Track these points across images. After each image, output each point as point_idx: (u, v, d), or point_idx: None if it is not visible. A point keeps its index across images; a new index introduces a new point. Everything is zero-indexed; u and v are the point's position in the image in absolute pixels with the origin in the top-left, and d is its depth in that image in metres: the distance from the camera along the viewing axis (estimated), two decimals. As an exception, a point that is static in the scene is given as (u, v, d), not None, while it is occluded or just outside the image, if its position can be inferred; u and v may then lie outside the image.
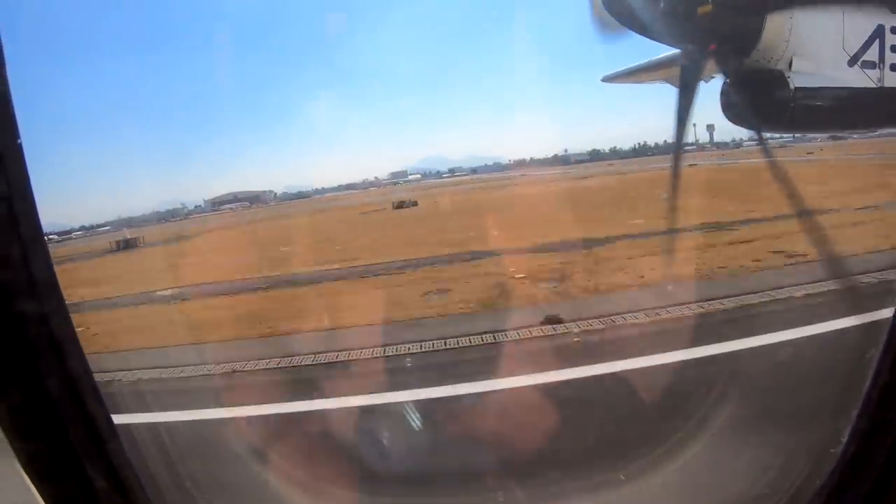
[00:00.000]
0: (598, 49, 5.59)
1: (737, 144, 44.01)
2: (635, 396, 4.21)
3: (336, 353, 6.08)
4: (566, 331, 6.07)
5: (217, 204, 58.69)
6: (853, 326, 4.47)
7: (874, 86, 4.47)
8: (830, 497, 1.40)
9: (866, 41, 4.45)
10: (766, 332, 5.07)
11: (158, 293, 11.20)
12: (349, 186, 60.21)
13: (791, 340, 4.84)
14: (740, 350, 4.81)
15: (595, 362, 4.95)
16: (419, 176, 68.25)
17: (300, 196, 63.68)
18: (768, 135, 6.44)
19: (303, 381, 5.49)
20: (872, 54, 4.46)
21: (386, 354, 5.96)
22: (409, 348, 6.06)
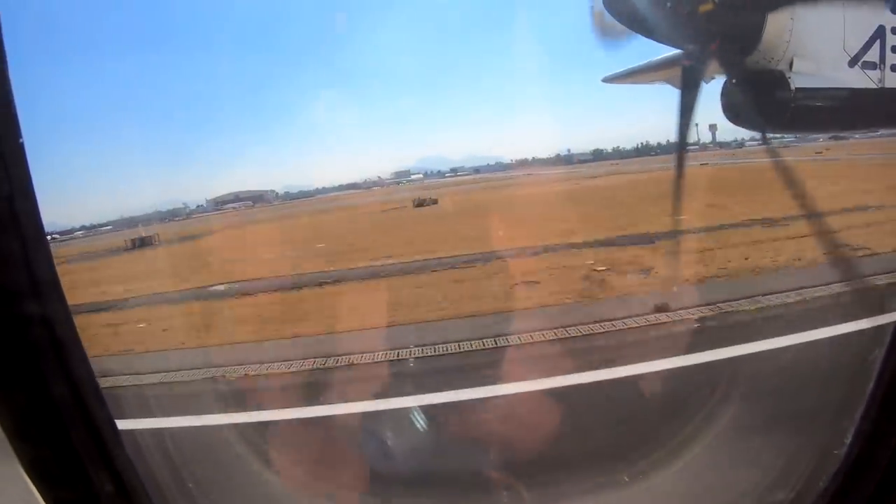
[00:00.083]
0: (598, 49, 5.60)
1: (739, 144, 44.26)
2: (781, 372, 4.34)
3: (482, 341, 6.08)
4: (685, 317, 6.22)
5: (220, 203, 58.66)
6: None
7: (875, 86, 4.48)
8: (833, 499, 1.40)
9: (867, 42, 4.45)
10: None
11: (213, 288, 11.14)
12: (351, 186, 60.27)
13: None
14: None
15: (732, 344, 5.05)
16: (421, 175, 68.44)
17: (302, 196, 63.74)
18: (768, 135, 6.46)
19: (476, 366, 5.45)
20: (873, 55, 4.46)
21: (534, 340, 6.00)
22: (544, 335, 6.09)
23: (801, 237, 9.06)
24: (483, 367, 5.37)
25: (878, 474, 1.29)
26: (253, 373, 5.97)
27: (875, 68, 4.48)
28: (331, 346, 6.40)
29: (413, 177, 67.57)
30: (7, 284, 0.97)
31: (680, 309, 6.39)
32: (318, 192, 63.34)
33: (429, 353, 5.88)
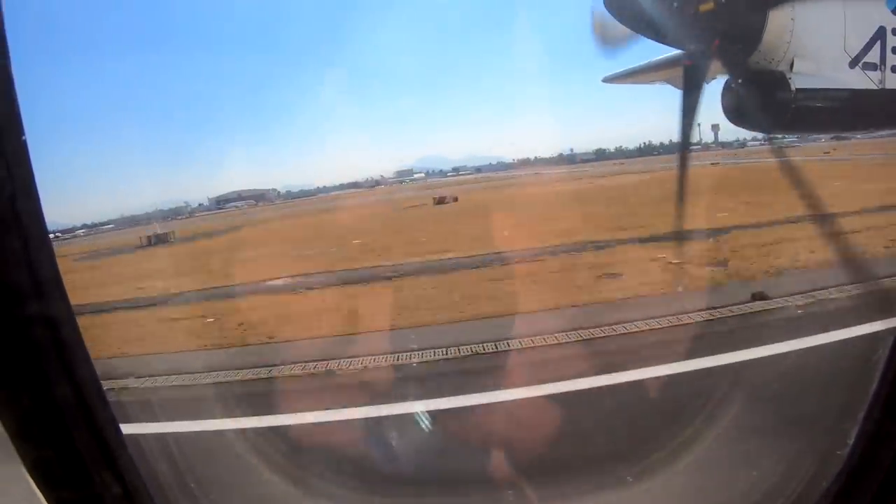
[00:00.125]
0: (597, 51, 5.61)
1: (741, 144, 44.42)
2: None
3: (612, 327, 6.19)
4: (785, 304, 6.37)
5: (222, 202, 58.61)
6: None
7: (875, 87, 4.49)
8: (836, 499, 1.40)
9: (867, 43, 4.46)
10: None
11: (272, 283, 10.99)
12: (352, 185, 60.23)
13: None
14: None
15: (845, 326, 5.16)
16: (423, 175, 68.47)
17: (303, 195, 63.70)
18: (769, 135, 6.48)
19: (632, 349, 5.56)
20: (874, 56, 4.47)
21: (650, 328, 6.10)
22: (653, 324, 6.18)
23: (848, 234, 9.22)
24: (636, 350, 5.51)
25: (881, 475, 1.29)
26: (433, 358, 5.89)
27: (875, 69, 4.49)
28: (484, 334, 6.39)
29: (416, 176, 67.63)
30: (10, 284, 0.96)
31: (777, 297, 6.58)
32: (318, 191, 63.32)
33: (588, 337, 6.06)
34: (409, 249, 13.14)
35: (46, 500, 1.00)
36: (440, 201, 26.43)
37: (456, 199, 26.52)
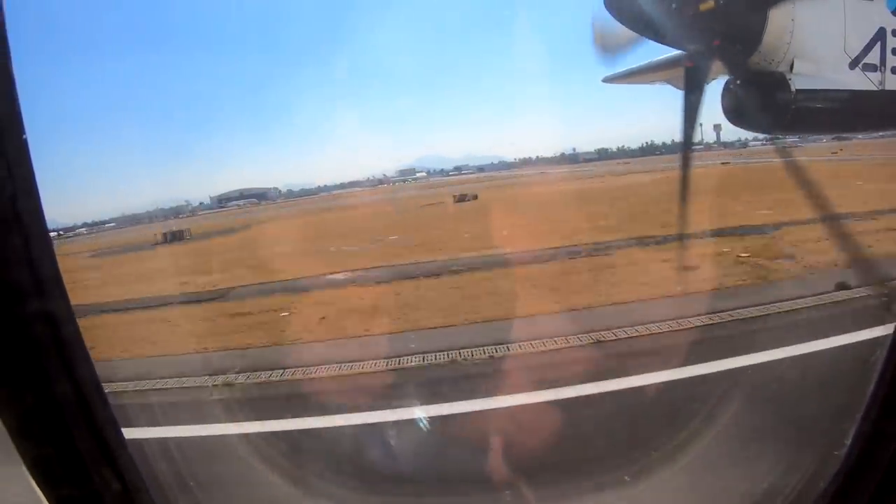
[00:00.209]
0: (598, 57, 5.64)
1: (742, 144, 44.44)
2: None
3: (716, 315, 6.32)
4: (868, 293, 6.49)
5: (224, 201, 58.60)
6: None
7: (875, 88, 4.49)
8: (834, 499, 1.40)
9: (868, 44, 4.46)
10: None
11: (332, 277, 10.86)
12: (353, 184, 60.15)
13: None
14: None
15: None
16: (425, 174, 68.47)
17: (304, 194, 63.65)
18: (766, 135, 6.50)
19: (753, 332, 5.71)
20: (874, 57, 4.47)
21: (769, 313, 6.27)
22: (769, 309, 6.35)
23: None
24: (753, 334, 5.67)
25: (879, 475, 1.29)
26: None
27: (876, 70, 4.49)
28: (613, 320, 6.49)
29: (418, 175, 67.65)
30: (10, 283, 0.97)
31: (859, 287, 6.70)
32: (319, 190, 63.31)
33: (718, 321, 6.18)
34: (458, 244, 12.98)
35: (46, 497, 1.00)
36: (461, 199, 26.41)
37: (476, 197, 26.51)
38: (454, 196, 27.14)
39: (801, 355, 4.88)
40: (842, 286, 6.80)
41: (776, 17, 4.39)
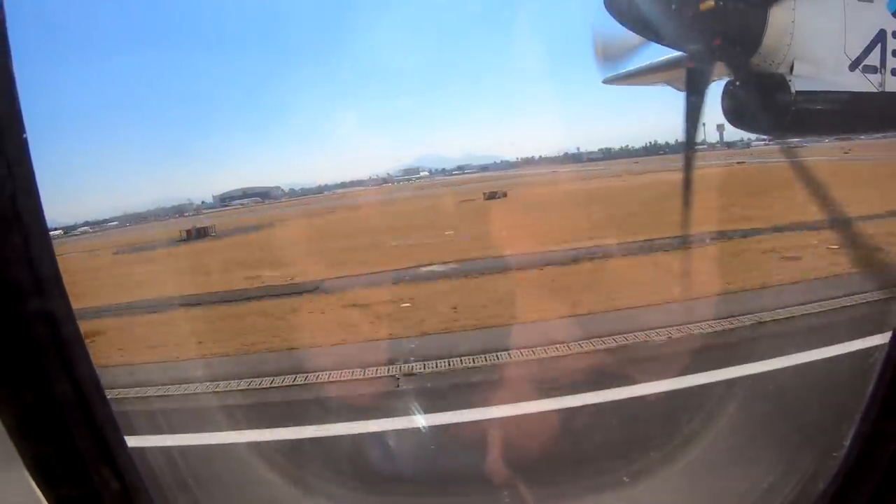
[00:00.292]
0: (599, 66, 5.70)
1: (745, 144, 44.42)
2: None
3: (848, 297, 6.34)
4: None
5: (227, 199, 58.57)
6: None
7: (875, 90, 4.49)
8: (833, 500, 1.40)
9: (868, 45, 4.46)
10: None
11: (428, 269, 10.58)
12: (355, 183, 60.06)
13: None
14: None
15: None
16: (427, 173, 68.49)
17: (306, 193, 63.60)
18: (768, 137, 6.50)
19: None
20: (874, 59, 4.47)
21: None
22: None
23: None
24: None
25: (878, 476, 1.29)
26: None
27: (876, 72, 4.49)
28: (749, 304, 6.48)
29: (421, 174, 67.69)
30: (10, 282, 0.97)
31: None
32: (321, 189, 63.32)
33: (850, 304, 6.19)
34: (533, 239, 12.58)
35: (45, 497, 1.00)
36: (491, 196, 26.35)
37: (505, 195, 26.52)
38: (484, 193, 26.98)
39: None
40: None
41: (776, 17, 4.40)
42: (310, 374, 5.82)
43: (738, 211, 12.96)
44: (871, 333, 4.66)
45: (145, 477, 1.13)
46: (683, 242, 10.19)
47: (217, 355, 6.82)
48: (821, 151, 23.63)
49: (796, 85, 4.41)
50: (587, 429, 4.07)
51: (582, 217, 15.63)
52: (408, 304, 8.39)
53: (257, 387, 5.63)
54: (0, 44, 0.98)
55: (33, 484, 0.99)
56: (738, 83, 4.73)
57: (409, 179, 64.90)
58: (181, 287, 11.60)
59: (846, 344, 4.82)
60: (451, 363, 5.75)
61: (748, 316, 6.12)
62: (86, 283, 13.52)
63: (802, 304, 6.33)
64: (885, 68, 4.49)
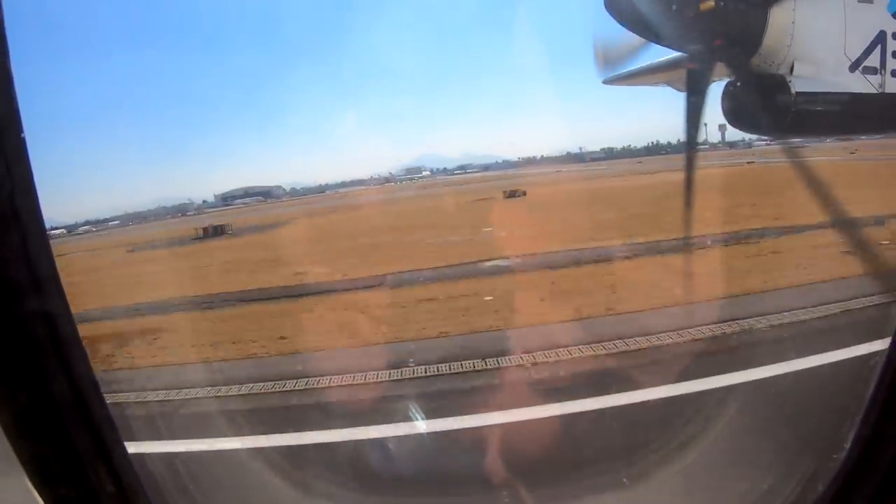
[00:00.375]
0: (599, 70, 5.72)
1: (747, 145, 44.44)
2: None
3: None
4: None
5: (228, 199, 58.50)
6: None
7: (875, 91, 4.49)
8: (833, 501, 1.40)
9: (868, 47, 4.47)
10: None
11: (489, 264, 10.43)
12: (357, 182, 59.94)
13: None
14: None
15: None
16: (428, 172, 68.54)
17: (308, 192, 63.58)
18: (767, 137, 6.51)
19: None
20: (874, 60, 4.47)
21: None
22: None
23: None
24: None
25: (878, 477, 1.29)
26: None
27: (876, 73, 4.49)
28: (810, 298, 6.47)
29: (424, 174, 67.77)
30: (8, 281, 0.97)
31: None
32: (322, 188, 63.28)
33: None
34: (577, 235, 12.42)
35: (42, 497, 1.00)
36: (511, 195, 26.22)
37: (525, 194, 26.37)
38: (504, 192, 26.77)
39: None
40: None
41: (776, 18, 4.40)
42: (481, 361, 5.78)
43: (771, 209, 12.96)
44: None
45: (142, 475, 1.13)
46: (745, 237, 10.37)
47: (368, 344, 6.87)
48: (826, 151, 23.50)
49: (796, 86, 4.41)
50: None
51: (615, 215, 15.50)
52: (489, 298, 8.35)
53: (460, 370, 5.61)
54: None
55: (30, 484, 0.98)
56: (738, 84, 4.73)
57: (411, 179, 64.90)
58: (237, 283, 11.39)
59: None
60: (583, 350, 5.83)
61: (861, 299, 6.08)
62: (139, 279, 13.37)
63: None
64: (885, 69, 4.49)
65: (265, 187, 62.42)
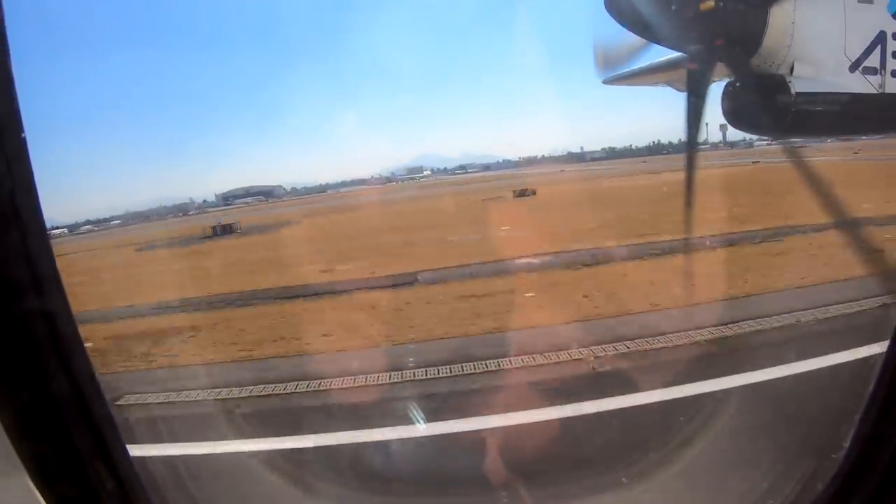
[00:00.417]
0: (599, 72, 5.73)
1: (748, 144, 44.48)
2: None
3: None
4: None
5: (230, 198, 58.50)
6: None
7: (875, 91, 4.49)
8: (832, 500, 1.40)
9: (868, 47, 4.47)
10: None
11: (522, 261, 10.41)
12: (358, 182, 59.98)
13: None
14: None
15: None
16: (429, 172, 68.62)
17: (309, 192, 63.58)
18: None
19: None
20: (874, 60, 4.47)
21: None
22: None
23: None
24: None
25: (878, 477, 1.29)
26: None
27: (876, 73, 4.49)
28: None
29: (425, 173, 67.87)
30: (8, 279, 0.97)
31: None
32: (323, 188, 63.32)
33: None
34: (603, 232, 12.59)
35: (43, 495, 1.00)
36: (521, 194, 26.35)
37: (534, 192, 26.49)
38: (513, 191, 26.92)
39: None
40: None
41: (776, 18, 4.40)
42: (622, 343, 5.88)
43: (795, 207, 12.73)
44: None
45: (142, 473, 1.13)
46: (786, 233, 10.52)
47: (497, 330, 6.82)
48: (830, 151, 23.43)
49: (796, 86, 4.41)
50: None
51: (631, 212, 15.49)
52: (531, 294, 8.44)
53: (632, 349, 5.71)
54: None
55: (30, 482, 0.99)
56: (738, 84, 4.73)
57: (413, 178, 64.93)
58: (268, 280, 11.32)
59: None
60: (680, 338, 5.90)
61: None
62: (168, 277, 13.32)
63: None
64: (884, 70, 4.49)
65: (266, 187, 62.50)
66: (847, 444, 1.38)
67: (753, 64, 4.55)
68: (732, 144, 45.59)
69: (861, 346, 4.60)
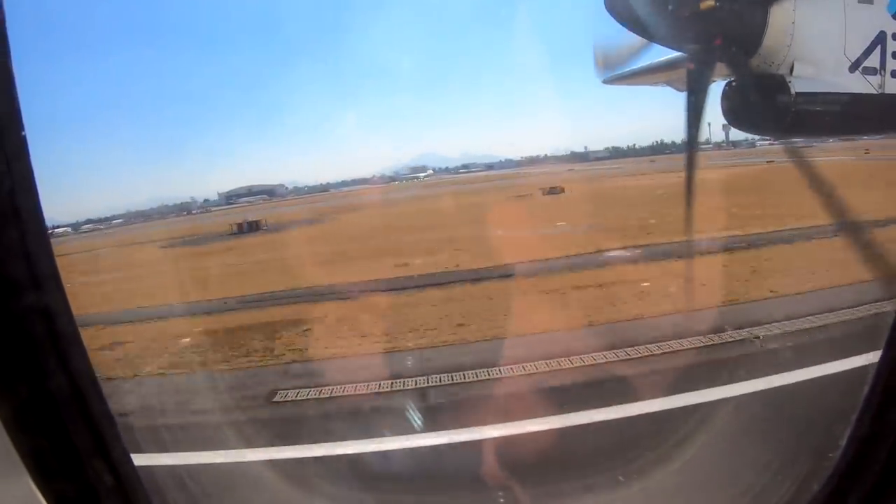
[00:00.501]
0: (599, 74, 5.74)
1: (751, 144, 44.46)
2: None
3: None
4: None
5: (233, 197, 58.62)
6: None
7: (875, 92, 4.49)
8: (829, 500, 1.40)
9: (868, 47, 4.46)
10: None
11: (607, 255, 10.54)
12: (359, 181, 60.04)
13: None
14: None
15: None
16: (431, 171, 68.71)
17: (311, 191, 63.59)
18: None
19: None
20: (874, 60, 4.47)
21: None
22: None
23: None
24: None
25: (874, 477, 1.29)
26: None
27: (876, 74, 4.49)
28: None
29: (428, 172, 67.96)
30: (7, 277, 0.97)
31: None
32: (325, 187, 63.35)
33: None
34: (662, 229, 12.43)
35: (41, 491, 1.00)
36: (551, 191, 26.66)
37: (563, 190, 26.82)
38: (541, 189, 27.17)
39: None
40: None
41: (776, 18, 4.40)
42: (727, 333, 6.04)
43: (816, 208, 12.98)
44: None
45: (141, 471, 1.14)
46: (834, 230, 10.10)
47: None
48: (838, 151, 23.32)
49: (796, 86, 4.41)
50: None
51: (673, 211, 15.59)
52: (646, 284, 8.55)
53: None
54: None
55: (29, 478, 0.99)
56: (737, 84, 4.73)
57: (415, 178, 64.98)
58: (356, 273, 11.34)
59: None
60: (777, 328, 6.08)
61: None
62: (232, 273, 13.37)
63: None
64: (884, 70, 4.49)
65: (268, 186, 62.63)
66: (843, 444, 1.38)
67: (753, 64, 4.55)
68: (735, 144, 45.61)
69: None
